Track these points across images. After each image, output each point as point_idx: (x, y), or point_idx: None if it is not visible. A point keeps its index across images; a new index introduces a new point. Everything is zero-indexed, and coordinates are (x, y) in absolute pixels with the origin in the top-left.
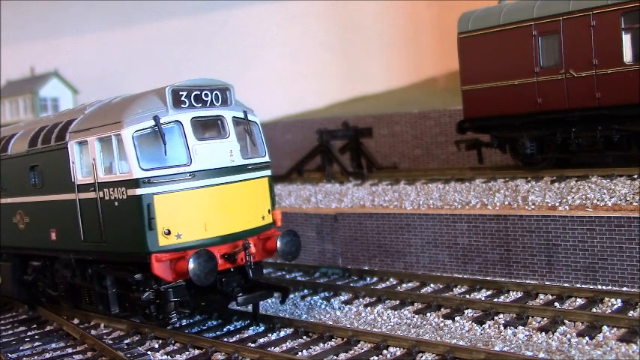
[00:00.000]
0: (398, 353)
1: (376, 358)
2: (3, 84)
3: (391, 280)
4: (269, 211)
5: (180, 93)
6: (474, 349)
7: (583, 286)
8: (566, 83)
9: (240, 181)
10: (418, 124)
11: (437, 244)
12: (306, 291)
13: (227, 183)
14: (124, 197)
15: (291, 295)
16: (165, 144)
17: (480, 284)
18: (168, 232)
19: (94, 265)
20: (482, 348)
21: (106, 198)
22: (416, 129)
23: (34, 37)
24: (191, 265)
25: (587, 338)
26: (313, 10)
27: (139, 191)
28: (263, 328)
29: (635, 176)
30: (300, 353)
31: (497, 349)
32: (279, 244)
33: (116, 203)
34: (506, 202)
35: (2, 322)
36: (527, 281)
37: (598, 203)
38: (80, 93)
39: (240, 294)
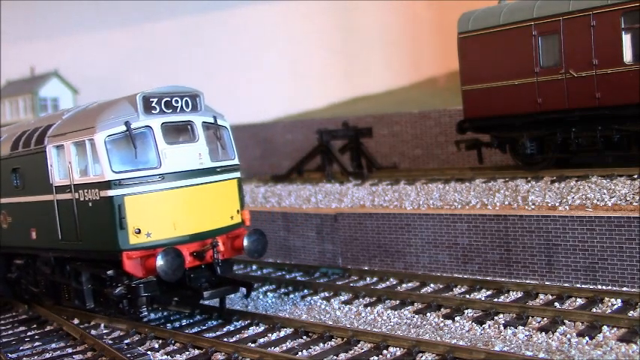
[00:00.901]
0: (398, 353)
1: (376, 358)
2: (3, 84)
3: (391, 280)
4: (238, 211)
5: (151, 100)
6: (474, 349)
7: (583, 286)
8: (566, 83)
9: (209, 182)
10: (418, 124)
11: (437, 244)
12: (306, 291)
13: (196, 185)
14: (97, 198)
15: (291, 295)
16: (135, 148)
17: (480, 284)
18: (139, 231)
19: (71, 263)
20: (483, 348)
21: (81, 199)
22: (416, 129)
23: (34, 37)
24: (159, 262)
25: (587, 338)
26: (314, 11)
27: (110, 192)
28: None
29: (635, 176)
30: (300, 353)
31: (497, 349)
32: (245, 242)
33: (90, 204)
34: (506, 202)
35: (2, 322)
36: (527, 281)
37: (598, 203)
38: (80, 93)
39: (208, 289)
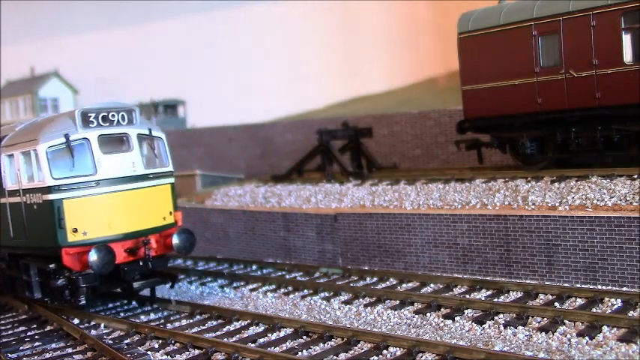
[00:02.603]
0: (398, 353)
1: (376, 358)
2: (3, 84)
3: (391, 280)
4: (171, 212)
5: (89, 114)
6: (474, 349)
7: (583, 286)
8: (566, 83)
9: (142, 187)
10: (418, 124)
11: (437, 244)
12: (306, 291)
13: (129, 189)
14: (40, 201)
15: (291, 295)
16: (73, 157)
17: (480, 284)
18: (76, 230)
19: (22, 258)
20: (483, 348)
21: (28, 202)
22: (416, 129)
23: (34, 37)
24: (91, 257)
25: (587, 338)
26: (314, 11)
27: (50, 196)
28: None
29: (635, 176)
30: (300, 353)
31: (497, 349)
32: (175, 240)
33: (35, 206)
34: (506, 202)
35: (2, 322)
36: (527, 281)
37: (598, 203)
38: (80, 93)
39: (139, 281)
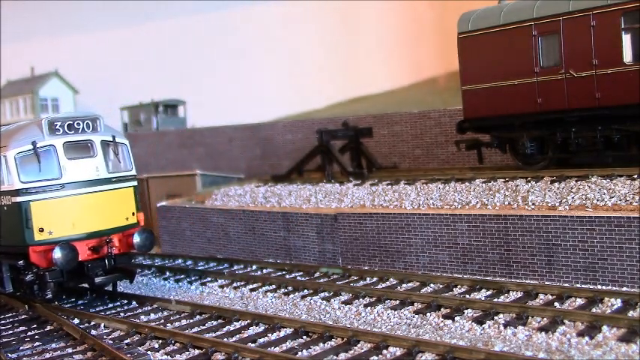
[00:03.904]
0: (398, 353)
1: (376, 358)
2: (3, 84)
3: (391, 280)
4: (133, 213)
5: (55, 123)
6: (473, 349)
7: (583, 286)
8: (566, 83)
9: (105, 190)
10: (418, 124)
11: (437, 244)
12: (306, 291)
13: (92, 192)
14: (10, 203)
15: (291, 295)
16: (39, 162)
17: (480, 284)
18: (42, 230)
19: None
20: (482, 348)
21: (1, 204)
22: (416, 129)
23: (35, 36)
24: (55, 254)
25: (587, 338)
26: (314, 11)
27: (19, 199)
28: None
29: (635, 176)
30: (300, 353)
31: (497, 349)
32: (135, 239)
33: (6, 208)
34: (506, 202)
35: (2, 322)
36: (527, 281)
37: (598, 203)
38: (80, 93)
39: (101, 276)
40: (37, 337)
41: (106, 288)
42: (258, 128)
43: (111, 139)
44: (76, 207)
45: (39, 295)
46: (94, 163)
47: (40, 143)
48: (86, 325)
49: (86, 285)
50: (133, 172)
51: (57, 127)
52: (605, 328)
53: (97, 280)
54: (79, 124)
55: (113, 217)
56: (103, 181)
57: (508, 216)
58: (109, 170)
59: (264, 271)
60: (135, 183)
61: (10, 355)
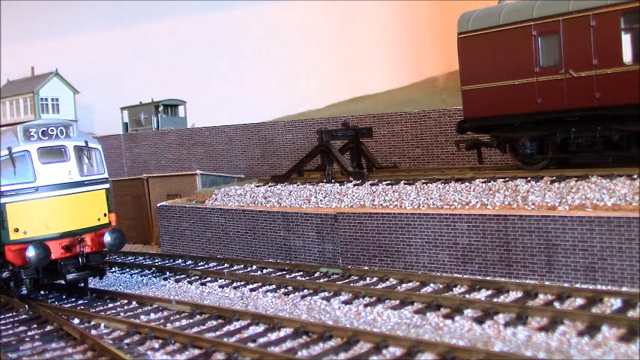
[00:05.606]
0: (398, 353)
1: (376, 358)
2: (3, 84)
3: (391, 280)
4: (105, 214)
5: (30, 130)
6: (473, 349)
7: (583, 286)
8: (565, 83)
9: (77, 192)
10: (418, 124)
11: (437, 244)
12: (306, 291)
13: (65, 194)
14: None
15: (291, 295)
16: (14, 167)
17: (480, 284)
18: (17, 230)
19: None
20: (482, 348)
21: None
22: (416, 129)
23: (34, 37)
24: (28, 253)
25: (586, 338)
26: (314, 11)
27: None
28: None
29: (635, 176)
30: (300, 353)
31: (496, 349)
32: (106, 238)
33: None
34: (506, 202)
35: (2, 322)
36: (527, 281)
37: (598, 203)
38: (80, 93)
39: (73, 274)
40: (37, 337)
41: (79, 285)
42: (258, 128)
43: (84, 144)
44: (50, 208)
45: (15, 290)
46: (67, 167)
47: (16, 149)
48: (86, 325)
49: (62, 281)
50: (105, 176)
51: (31, 133)
52: (604, 328)
53: (69, 276)
54: (52, 130)
55: (85, 218)
56: (75, 184)
57: (508, 216)
58: (81, 174)
59: (264, 271)
60: (107, 185)
61: (10, 355)
